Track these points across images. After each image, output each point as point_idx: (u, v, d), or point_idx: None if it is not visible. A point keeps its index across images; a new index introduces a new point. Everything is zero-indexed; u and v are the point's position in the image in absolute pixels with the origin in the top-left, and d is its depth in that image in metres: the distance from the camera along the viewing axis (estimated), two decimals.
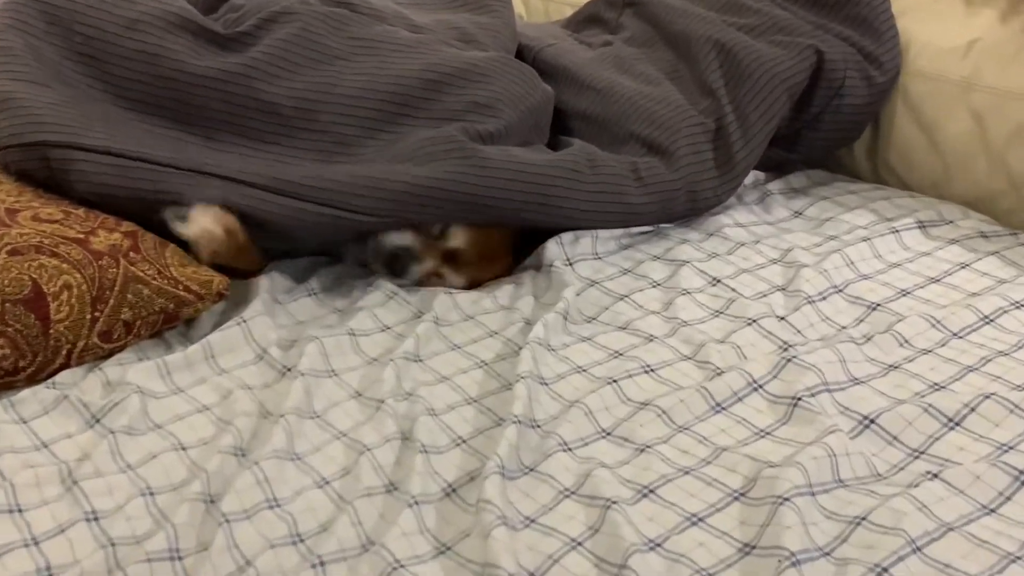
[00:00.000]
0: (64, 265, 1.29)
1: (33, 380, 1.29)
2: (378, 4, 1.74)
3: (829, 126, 1.85)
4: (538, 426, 1.24)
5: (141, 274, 1.34)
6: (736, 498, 1.12)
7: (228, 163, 1.46)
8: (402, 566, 1.02)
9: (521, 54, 1.84)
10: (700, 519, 1.10)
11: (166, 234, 1.43)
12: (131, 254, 1.35)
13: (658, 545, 1.07)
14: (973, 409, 1.22)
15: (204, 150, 1.48)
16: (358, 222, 1.47)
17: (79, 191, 1.41)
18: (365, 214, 1.47)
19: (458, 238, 1.55)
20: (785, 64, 1.76)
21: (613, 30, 2.01)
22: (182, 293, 1.36)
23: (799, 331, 1.42)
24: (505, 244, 1.63)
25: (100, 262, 1.31)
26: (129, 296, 1.32)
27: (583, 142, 1.68)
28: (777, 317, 1.45)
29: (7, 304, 1.24)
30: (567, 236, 1.61)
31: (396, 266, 1.52)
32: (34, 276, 1.27)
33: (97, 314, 1.31)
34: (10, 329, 1.25)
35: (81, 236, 1.33)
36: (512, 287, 1.56)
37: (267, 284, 1.50)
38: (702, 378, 1.33)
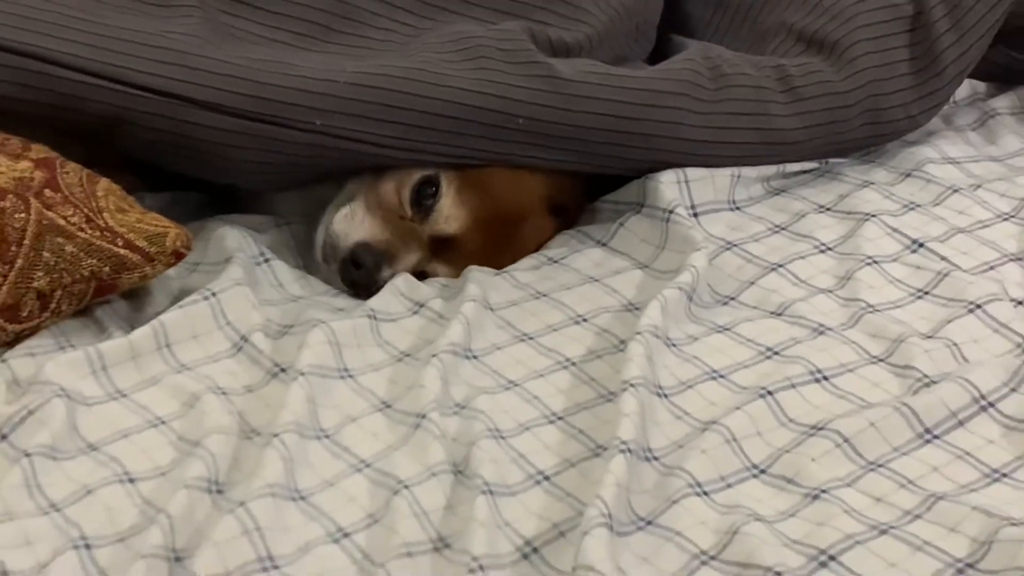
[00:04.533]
0: None
1: None
2: None
3: None
4: (656, 458, 1.08)
5: (62, 222, 1.21)
6: (961, 571, 0.97)
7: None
8: None
9: None
10: None
11: (98, 162, 1.26)
12: (46, 192, 1.22)
13: None
14: None
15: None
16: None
17: None
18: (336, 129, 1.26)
19: (454, 210, 1.32)
20: None
21: None
22: (122, 251, 1.23)
23: None
24: (535, 201, 1.38)
25: (0, 203, 1.18)
26: (45, 255, 1.20)
27: (705, 43, 1.48)
28: (1013, 301, 1.27)
29: None
30: (693, 171, 1.40)
31: (357, 275, 1.29)
32: None
33: None
34: None
35: None
36: (600, 250, 1.36)
37: (245, 240, 1.33)
38: (902, 390, 1.16)
